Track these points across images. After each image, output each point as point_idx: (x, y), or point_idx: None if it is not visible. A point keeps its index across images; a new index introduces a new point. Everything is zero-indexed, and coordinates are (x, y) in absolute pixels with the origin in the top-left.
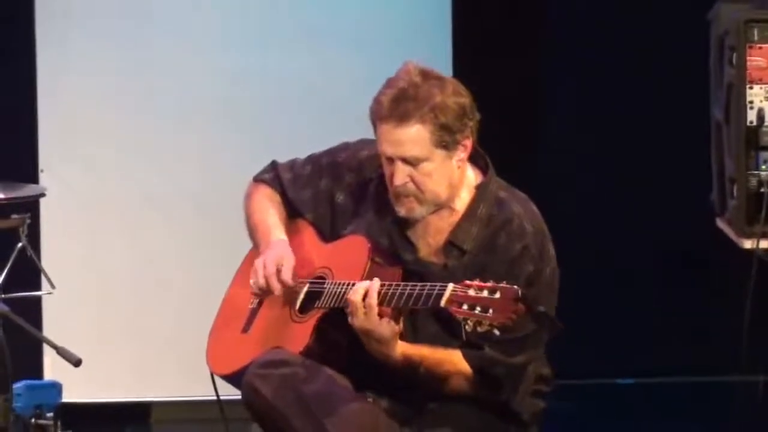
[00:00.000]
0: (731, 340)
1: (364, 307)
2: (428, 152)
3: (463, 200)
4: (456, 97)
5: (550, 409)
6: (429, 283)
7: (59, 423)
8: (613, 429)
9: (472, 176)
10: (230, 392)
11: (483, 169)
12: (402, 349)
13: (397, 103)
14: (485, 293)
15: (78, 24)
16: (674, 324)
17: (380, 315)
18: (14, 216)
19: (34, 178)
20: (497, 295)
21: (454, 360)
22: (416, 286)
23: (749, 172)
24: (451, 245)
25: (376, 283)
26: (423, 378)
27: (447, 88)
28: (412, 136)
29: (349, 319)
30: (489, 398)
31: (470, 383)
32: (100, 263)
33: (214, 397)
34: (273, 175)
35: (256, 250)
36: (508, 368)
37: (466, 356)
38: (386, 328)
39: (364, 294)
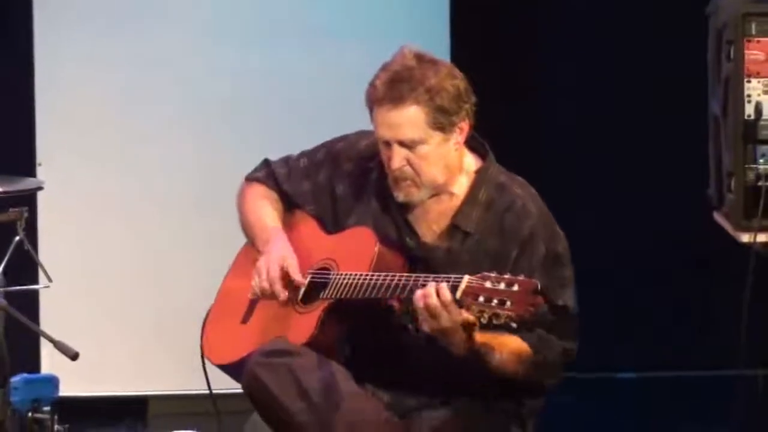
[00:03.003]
0: (731, 334)
1: (445, 307)
2: (424, 134)
3: (462, 185)
4: (451, 79)
5: (549, 403)
6: (443, 276)
7: (56, 417)
8: (613, 423)
9: (471, 162)
10: (227, 386)
11: (482, 155)
12: (478, 335)
13: (392, 85)
14: (502, 285)
15: (76, 17)
16: (674, 318)
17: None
18: (12, 209)
19: (31, 172)
20: (515, 288)
21: (515, 342)
22: (429, 277)
23: (747, 166)
24: (454, 228)
25: (443, 284)
26: (485, 361)
27: (441, 70)
28: (408, 118)
29: (427, 325)
30: (539, 381)
31: (524, 366)
32: (98, 257)
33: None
34: (267, 172)
35: (251, 245)
36: (563, 350)
37: (524, 339)
38: (468, 316)
39: (437, 296)
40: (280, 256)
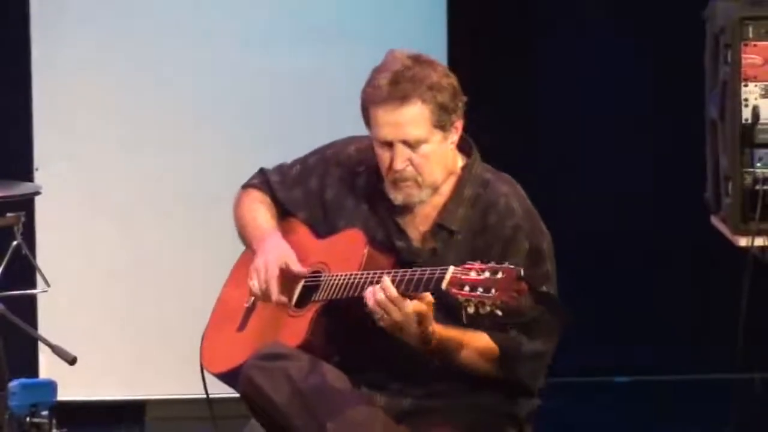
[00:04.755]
0: (728, 337)
1: (392, 301)
2: (428, 133)
3: (448, 183)
4: (447, 77)
5: (546, 406)
6: (429, 268)
7: (54, 421)
8: (610, 427)
9: (458, 161)
10: (225, 390)
11: (468, 154)
12: (436, 327)
13: (396, 84)
14: (487, 274)
15: (73, 21)
16: (671, 322)
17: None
18: (9, 214)
19: (29, 176)
20: (500, 275)
21: (482, 340)
22: (416, 271)
23: (744, 170)
24: (439, 227)
25: (386, 278)
26: (452, 358)
27: (438, 68)
28: (414, 116)
29: (382, 322)
30: (511, 381)
31: (494, 365)
32: (95, 261)
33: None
34: (261, 180)
35: (249, 251)
36: (532, 351)
37: (492, 337)
38: (418, 304)
39: (383, 291)
40: (279, 254)
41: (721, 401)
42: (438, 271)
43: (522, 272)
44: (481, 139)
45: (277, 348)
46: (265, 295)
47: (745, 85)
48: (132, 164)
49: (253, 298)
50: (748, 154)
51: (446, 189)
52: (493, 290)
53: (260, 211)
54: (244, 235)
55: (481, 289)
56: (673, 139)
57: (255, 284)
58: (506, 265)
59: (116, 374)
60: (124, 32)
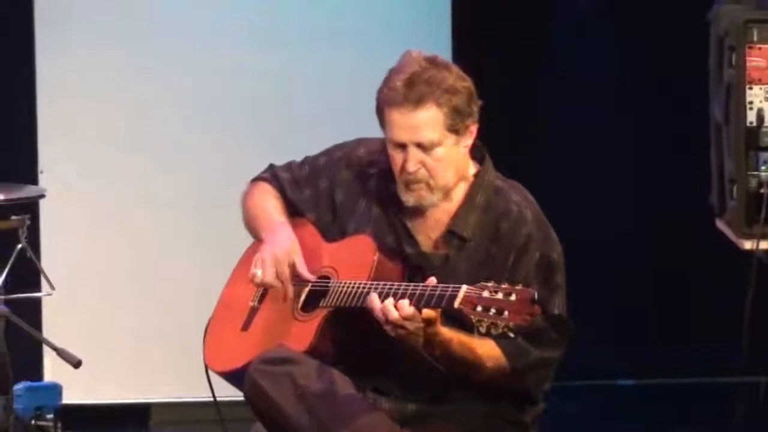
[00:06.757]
0: (732, 340)
1: (409, 318)
2: (442, 136)
3: (460, 189)
4: (463, 80)
5: (550, 410)
6: (442, 285)
7: (59, 424)
8: (614, 430)
9: (470, 166)
10: (230, 393)
11: (479, 160)
12: (442, 329)
13: (411, 86)
14: (500, 295)
15: (77, 24)
16: (675, 325)
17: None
18: (14, 217)
19: (33, 179)
20: (513, 297)
21: (488, 346)
22: (427, 287)
23: (749, 173)
24: (451, 234)
25: (404, 302)
26: (456, 362)
27: (453, 71)
28: (428, 119)
29: (393, 333)
30: (514, 389)
31: (500, 372)
32: (100, 264)
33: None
34: (271, 175)
35: (257, 243)
36: (540, 359)
37: (499, 344)
38: (428, 312)
39: (397, 310)
40: (287, 251)
41: (725, 404)
42: (450, 289)
43: (536, 296)
44: (480, 139)
45: (283, 352)
46: (268, 286)
47: (750, 88)
48: (136, 167)
49: (258, 297)
50: (753, 157)
51: (458, 195)
52: (506, 312)
53: (271, 203)
54: (253, 226)
55: (494, 311)
56: (673, 140)
57: (258, 273)
58: (520, 287)
59: (121, 377)
60: (126, 35)
